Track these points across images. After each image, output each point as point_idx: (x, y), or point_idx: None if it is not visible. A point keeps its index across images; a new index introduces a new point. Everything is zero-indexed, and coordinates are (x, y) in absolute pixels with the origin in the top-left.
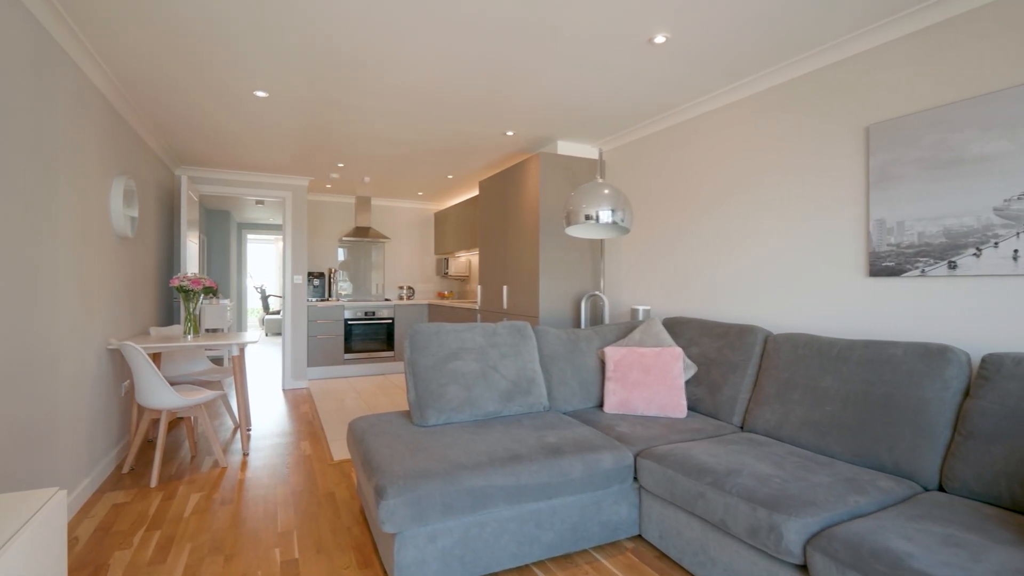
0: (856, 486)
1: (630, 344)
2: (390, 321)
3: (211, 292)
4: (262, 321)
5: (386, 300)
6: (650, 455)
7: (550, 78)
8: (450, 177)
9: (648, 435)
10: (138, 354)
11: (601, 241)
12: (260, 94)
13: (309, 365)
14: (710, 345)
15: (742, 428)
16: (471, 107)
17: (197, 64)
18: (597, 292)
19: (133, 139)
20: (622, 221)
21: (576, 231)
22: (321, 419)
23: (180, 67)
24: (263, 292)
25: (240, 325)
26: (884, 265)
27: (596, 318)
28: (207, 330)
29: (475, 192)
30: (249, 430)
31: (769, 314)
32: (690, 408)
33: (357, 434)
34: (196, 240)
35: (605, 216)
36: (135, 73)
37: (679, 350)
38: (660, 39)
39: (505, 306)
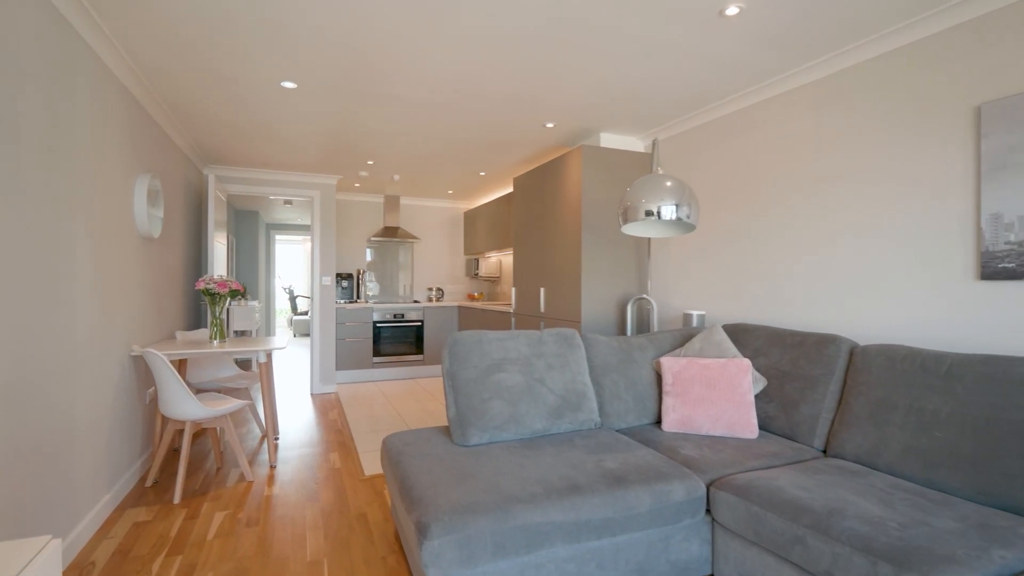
0: (995, 535)
1: (689, 354)
2: (419, 324)
3: (238, 295)
4: (290, 322)
5: (415, 302)
6: (727, 486)
7: (599, 63)
8: (482, 174)
9: (719, 460)
10: (161, 362)
11: (648, 240)
12: (288, 85)
13: (338, 368)
14: (782, 356)
15: (825, 452)
16: (510, 96)
17: (222, 52)
18: (644, 295)
19: (158, 135)
20: (688, 217)
21: (634, 229)
22: (351, 427)
23: (204, 55)
24: (291, 292)
25: (268, 327)
26: (1001, 267)
27: (642, 324)
28: (235, 332)
29: (508, 189)
30: (276, 439)
31: (850, 322)
32: (761, 427)
33: (392, 454)
34: (224, 241)
35: (668, 212)
36: (157, 61)
37: (747, 362)
38: (733, 10)
39: (543, 309)
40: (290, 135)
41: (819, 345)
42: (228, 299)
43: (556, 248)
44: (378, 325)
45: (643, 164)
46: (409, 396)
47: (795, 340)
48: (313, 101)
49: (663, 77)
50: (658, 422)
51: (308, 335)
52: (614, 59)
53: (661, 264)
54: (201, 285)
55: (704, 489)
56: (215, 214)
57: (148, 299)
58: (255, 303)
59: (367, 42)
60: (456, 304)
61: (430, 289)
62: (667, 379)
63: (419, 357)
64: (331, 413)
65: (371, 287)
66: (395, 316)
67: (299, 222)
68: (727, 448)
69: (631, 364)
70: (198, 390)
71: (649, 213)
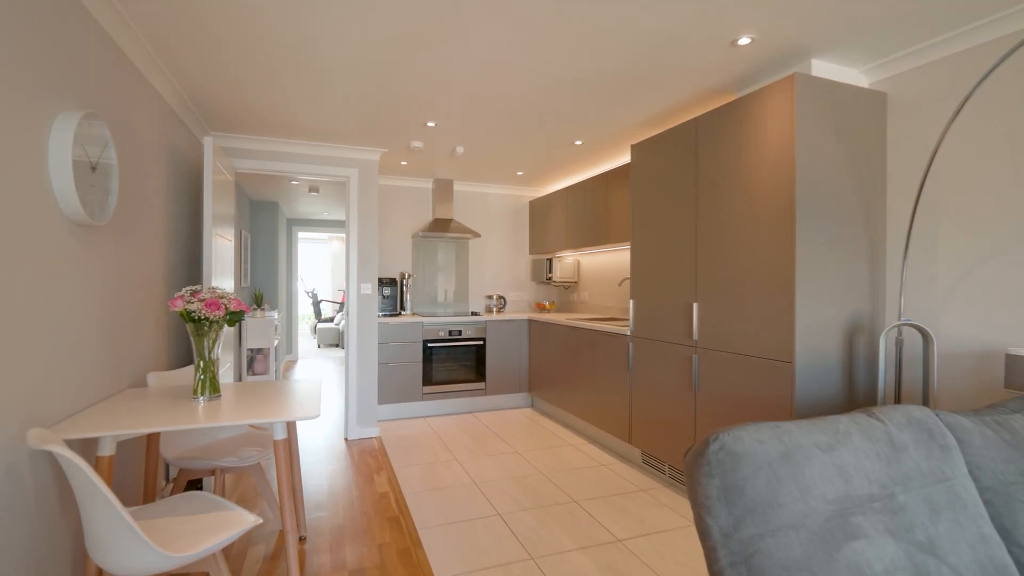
0: None
1: None
2: (480, 342)
3: (239, 317)
4: (314, 329)
5: (473, 315)
6: None
7: None
8: (578, 143)
9: None
10: (80, 475)
11: (908, 231)
12: None
13: (380, 402)
14: None
15: None
16: None
17: None
18: (912, 323)
19: (111, 59)
20: None
21: None
22: (412, 513)
23: None
24: (315, 297)
25: (290, 339)
26: None
27: (888, 366)
28: (250, 350)
29: (598, 170)
30: (303, 538)
31: None
32: None
33: None
34: (231, 237)
35: None
36: None
37: None
38: None
39: (696, 336)
40: (322, 73)
41: None
42: (224, 326)
43: (732, 241)
44: (429, 345)
45: (878, 109)
46: (476, 444)
47: None
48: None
49: None
50: None
51: (335, 345)
52: None
53: (922, 270)
54: (178, 304)
55: None
56: (216, 200)
57: (88, 327)
58: (274, 313)
59: None
60: (525, 317)
61: (489, 297)
62: None
63: (479, 386)
64: (378, 479)
65: (416, 296)
66: (450, 333)
67: (325, 216)
68: None
69: None
70: (179, 470)
71: None
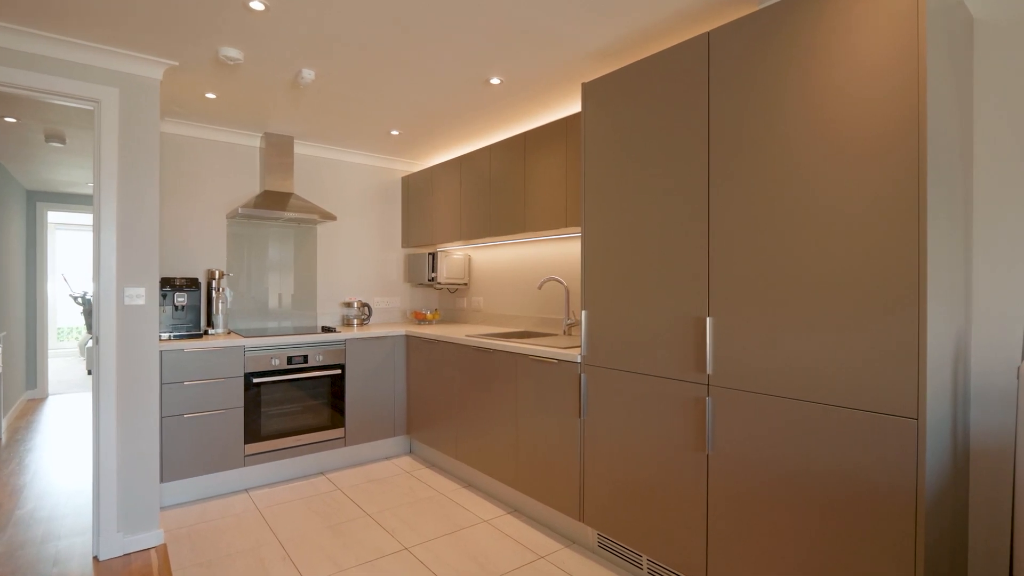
0: None
1: None
2: (337, 372)
3: None
4: (83, 348)
5: (325, 331)
6: None
7: None
8: (495, 82)
9: None
10: None
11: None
12: None
13: (166, 479)
14: None
15: None
16: None
17: None
18: None
19: None
20: None
21: None
22: None
23: None
24: (87, 304)
25: (34, 372)
26: None
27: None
28: None
29: (511, 131)
30: None
31: None
32: None
33: None
34: None
35: None
36: None
37: None
38: None
39: (710, 368)
40: None
41: None
42: None
43: (787, 223)
44: (256, 381)
45: (966, 36)
46: (337, 539)
47: None
48: None
49: None
50: None
51: None
52: None
53: (1018, 269)
54: None
55: None
56: None
57: None
58: None
59: None
60: (402, 331)
61: (348, 305)
62: None
63: (335, 434)
64: None
65: (232, 304)
66: (289, 360)
67: (89, 189)
68: None
69: None
70: None
71: None
